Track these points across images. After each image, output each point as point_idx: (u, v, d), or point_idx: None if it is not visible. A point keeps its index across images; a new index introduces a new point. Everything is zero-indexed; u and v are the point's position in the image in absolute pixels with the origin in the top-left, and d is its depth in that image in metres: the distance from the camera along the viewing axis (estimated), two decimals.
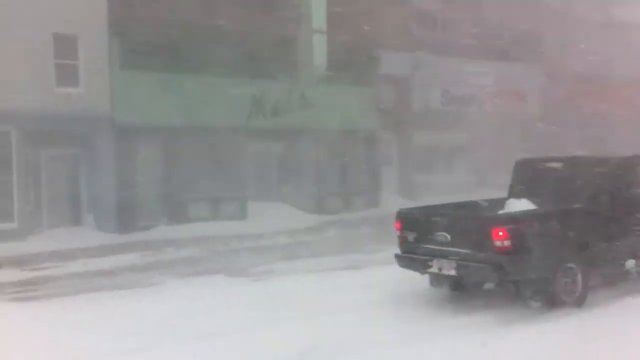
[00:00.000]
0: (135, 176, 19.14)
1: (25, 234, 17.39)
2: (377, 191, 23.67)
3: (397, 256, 10.36)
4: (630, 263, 10.12)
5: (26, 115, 17.17)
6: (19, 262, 14.77)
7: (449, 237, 9.50)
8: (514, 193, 11.19)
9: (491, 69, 26.72)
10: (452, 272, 9.45)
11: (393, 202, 23.41)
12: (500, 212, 10.18)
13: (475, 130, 26.76)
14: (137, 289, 12.03)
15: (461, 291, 10.37)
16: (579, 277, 9.44)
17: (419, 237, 10.01)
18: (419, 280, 10.58)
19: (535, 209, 10.08)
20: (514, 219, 9.33)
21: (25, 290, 12.25)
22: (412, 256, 10.09)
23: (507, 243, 8.81)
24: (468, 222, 9.80)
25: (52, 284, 12.81)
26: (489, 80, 26.73)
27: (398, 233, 10.40)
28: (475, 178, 26.57)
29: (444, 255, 9.50)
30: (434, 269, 9.71)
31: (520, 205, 10.18)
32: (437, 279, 10.23)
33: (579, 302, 9.41)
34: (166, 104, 19.19)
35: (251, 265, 13.89)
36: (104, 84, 18.55)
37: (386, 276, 11.53)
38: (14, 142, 17.46)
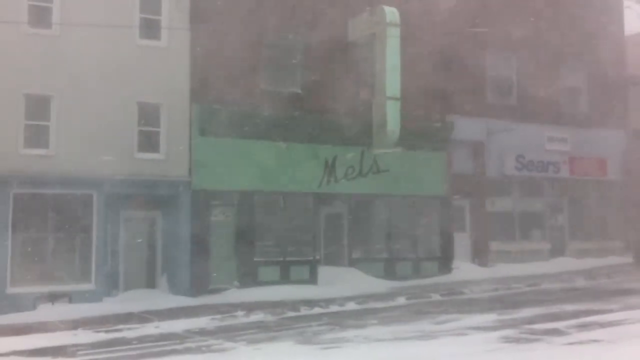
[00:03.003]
0: (208, 239, 19.46)
1: (102, 295, 17.84)
2: (449, 258, 23.20)
3: None
4: None
5: (107, 180, 17.90)
6: (93, 323, 15.14)
7: None
8: None
9: (569, 134, 26.23)
10: None
11: (466, 269, 23.02)
12: None
13: (552, 196, 26.15)
14: (207, 354, 12.05)
15: None
16: None
17: None
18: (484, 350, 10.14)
19: None
20: None
21: (97, 353, 12.43)
22: None
23: None
24: None
25: (124, 346, 12.97)
26: (566, 146, 26.19)
27: None
28: (553, 246, 25.78)
29: None
30: None
31: None
32: None
33: None
34: (241, 169, 19.69)
35: (321, 332, 13.73)
36: (183, 149, 19.17)
37: (458, 347, 11.17)
38: (94, 205, 18.06)
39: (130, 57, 18.56)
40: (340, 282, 20.02)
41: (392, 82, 20.37)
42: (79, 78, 17.89)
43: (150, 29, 19.14)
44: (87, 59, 18.00)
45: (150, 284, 19.38)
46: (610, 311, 14.77)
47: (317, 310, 16.87)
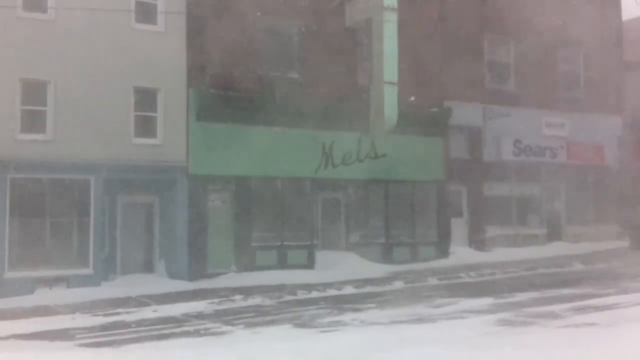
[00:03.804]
0: (206, 224, 19.48)
1: (100, 280, 17.86)
2: (446, 242, 23.27)
3: None
4: None
5: (105, 165, 17.88)
6: (91, 307, 15.20)
7: None
8: None
9: (566, 119, 26.23)
10: None
11: (463, 254, 23.10)
12: None
13: (549, 181, 26.20)
14: (205, 337, 12.10)
15: None
16: None
17: None
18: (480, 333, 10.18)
19: None
20: None
21: (95, 336, 12.48)
22: None
23: None
24: None
25: (122, 330, 13.02)
26: (564, 131, 26.20)
27: None
28: (550, 230, 25.87)
29: None
30: None
31: None
32: None
33: None
34: (238, 154, 19.66)
35: (318, 316, 13.78)
36: (180, 135, 19.13)
37: (455, 331, 11.23)
38: (92, 190, 18.03)
39: (126, 42, 18.48)
40: (338, 266, 20.08)
41: (389, 67, 20.30)
42: (75, 63, 17.82)
43: (146, 13, 19.01)
44: (83, 44, 17.92)
45: (148, 268, 19.44)
46: (606, 295, 14.86)
47: (314, 294, 16.93)
